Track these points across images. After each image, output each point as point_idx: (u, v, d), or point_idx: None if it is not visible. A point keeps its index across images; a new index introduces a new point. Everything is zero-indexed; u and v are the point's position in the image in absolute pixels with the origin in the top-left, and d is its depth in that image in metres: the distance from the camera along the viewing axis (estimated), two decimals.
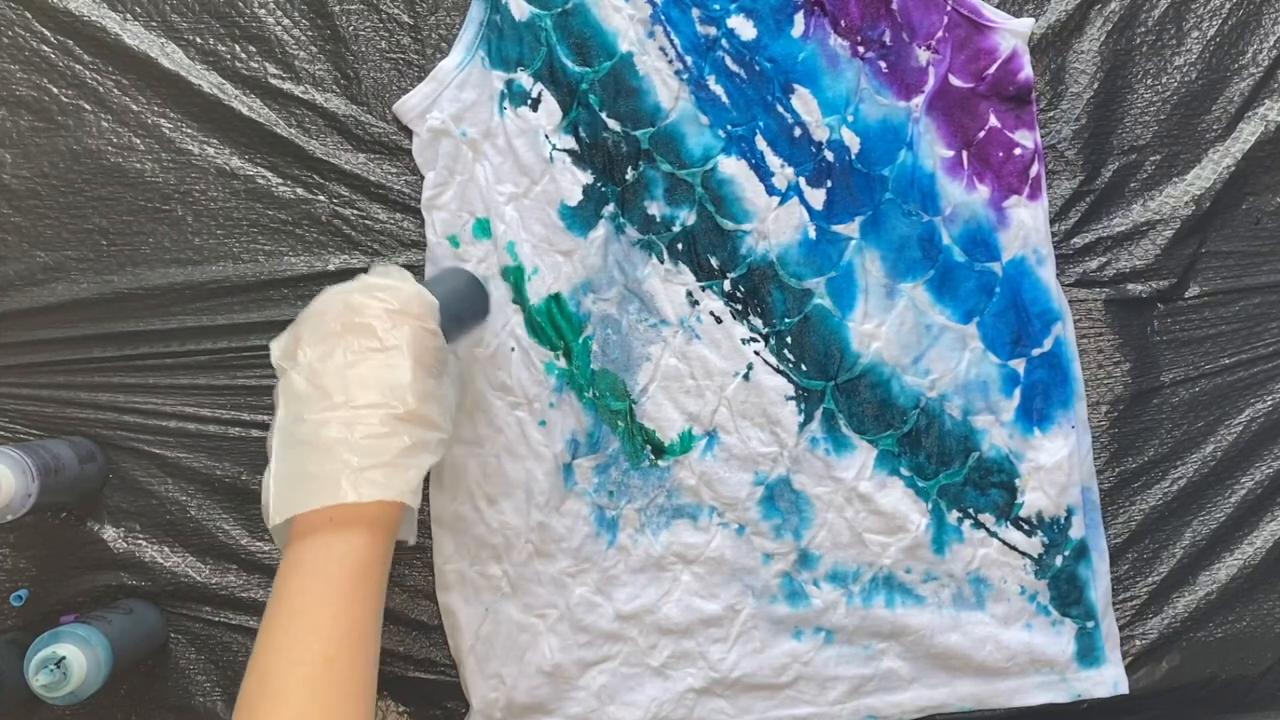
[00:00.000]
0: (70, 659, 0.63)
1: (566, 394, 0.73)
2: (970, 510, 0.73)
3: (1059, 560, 0.73)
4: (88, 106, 0.74)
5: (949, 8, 0.72)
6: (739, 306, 0.73)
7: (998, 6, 0.74)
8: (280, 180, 0.75)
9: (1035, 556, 0.73)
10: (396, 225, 0.75)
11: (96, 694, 0.65)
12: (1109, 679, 0.73)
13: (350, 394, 0.52)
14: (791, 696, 0.73)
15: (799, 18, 0.72)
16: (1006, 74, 0.73)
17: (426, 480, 0.74)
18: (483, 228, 0.73)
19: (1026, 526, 0.73)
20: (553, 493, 0.72)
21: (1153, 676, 0.75)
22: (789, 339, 0.73)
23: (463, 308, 0.63)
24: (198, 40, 0.74)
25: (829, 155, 0.73)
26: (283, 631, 0.49)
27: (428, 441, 0.54)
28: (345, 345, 0.54)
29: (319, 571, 0.50)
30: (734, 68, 0.72)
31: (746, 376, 0.73)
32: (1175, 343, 0.76)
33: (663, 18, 0.72)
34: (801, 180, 0.73)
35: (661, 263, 0.73)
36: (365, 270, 0.74)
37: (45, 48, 0.73)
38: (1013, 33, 0.73)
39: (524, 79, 0.72)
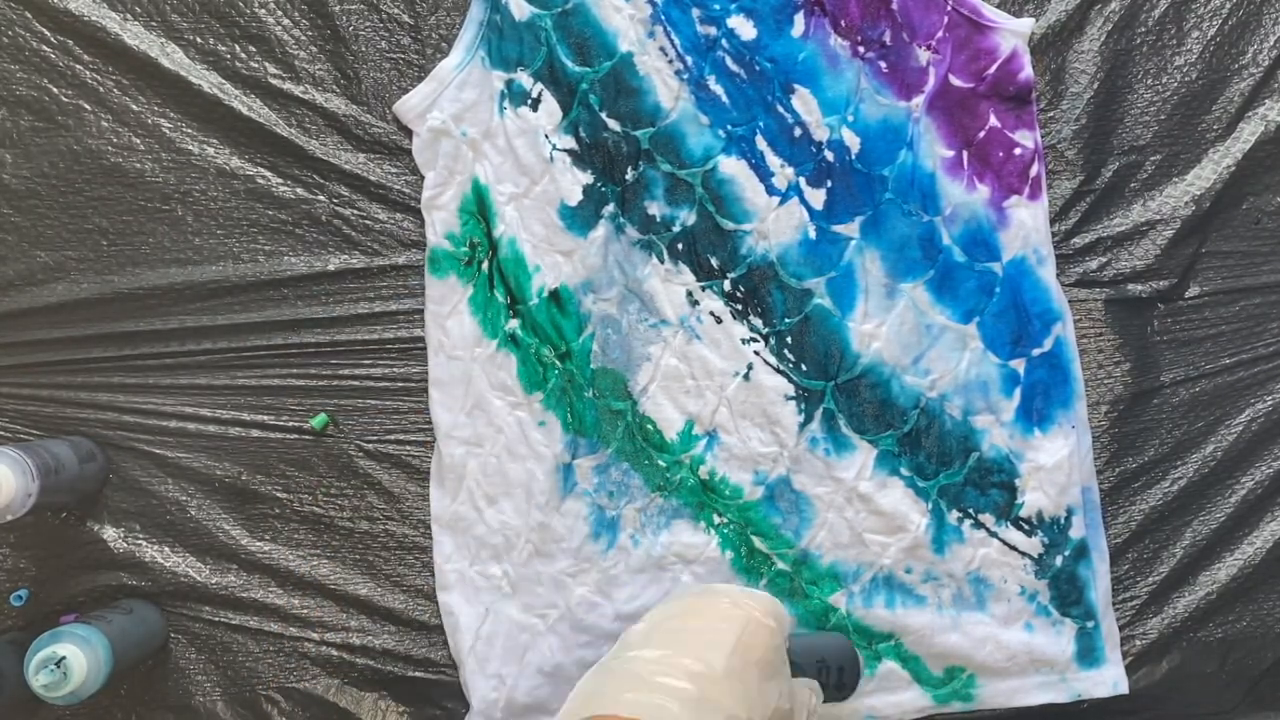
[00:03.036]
0: (70, 659, 0.63)
1: (567, 394, 0.73)
2: (970, 510, 0.73)
3: (1059, 560, 0.73)
4: (88, 106, 0.74)
5: (949, 8, 0.72)
6: (739, 306, 0.73)
7: (998, 6, 0.74)
8: (280, 180, 0.75)
9: (1035, 556, 0.73)
10: (396, 225, 0.75)
11: (97, 694, 0.65)
12: (1109, 679, 0.73)
13: (669, 646, 0.53)
14: None
15: (799, 18, 0.72)
16: (1006, 74, 0.73)
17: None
18: (476, 221, 0.73)
19: (1026, 526, 0.73)
20: (553, 493, 0.72)
21: (1153, 676, 0.75)
22: (789, 339, 0.73)
23: (827, 655, 0.64)
24: (198, 40, 0.74)
25: (829, 155, 0.73)
26: None
27: (716, 711, 0.50)
28: (685, 613, 0.56)
29: None
30: (734, 68, 0.72)
31: (746, 376, 0.73)
32: (1175, 343, 0.76)
33: (663, 18, 0.72)
34: (802, 180, 0.73)
35: (661, 263, 0.73)
36: (365, 270, 0.74)
37: (45, 48, 0.73)
38: (1013, 33, 0.73)
39: (524, 79, 0.72)
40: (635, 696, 0.50)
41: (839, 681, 0.65)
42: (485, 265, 0.73)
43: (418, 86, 0.73)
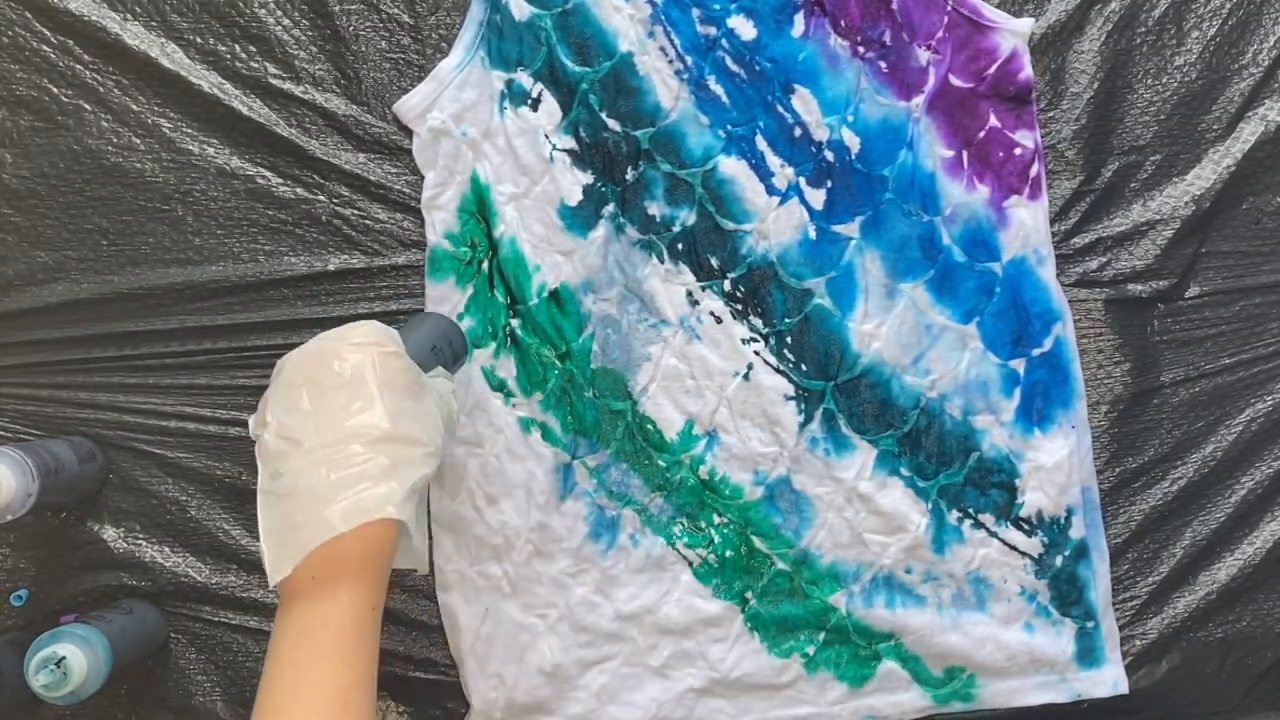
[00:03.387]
0: (70, 659, 0.62)
1: (567, 394, 0.73)
2: (970, 510, 0.73)
3: (1059, 560, 0.73)
4: (88, 106, 0.74)
5: (949, 8, 0.72)
6: (739, 306, 0.73)
7: (998, 6, 0.74)
8: (280, 180, 0.75)
9: (1035, 556, 0.73)
10: (396, 225, 0.75)
11: (96, 694, 0.65)
12: (1109, 679, 0.73)
13: (321, 436, 0.51)
14: (791, 696, 0.73)
15: (799, 18, 0.72)
16: (1006, 74, 0.73)
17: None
18: (476, 221, 0.73)
19: (1026, 526, 0.73)
20: (553, 493, 0.72)
21: (1153, 676, 0.75)
22: (789, 339, 0.73)
23: (436, 341, 0.62)
24: (198, 40, 0.74)
25: (829, 155, 0.73)
26: (272, 698, 0.49)
27: (411, 457, 0.53)
28: (308, 392, 0.52)
29: (304, 638, 0.49)
30: (734, 68, 0.72)
31: (746, 376, 0.73)
32: (1175, 343, 0.76)
33: (663, 18, 0.72)
34: (802, 180, 0.73)
35: (661, 263, 0.73)
36: (365, 270, 0.74)
37: (45, 48, 0.73)
38: (1013, 33, 0.73)
39: (524, 79, 0.72)
40: (339, 506, 0.49)
41: (454, 356, 0.63)
42: (485, 265, 0.73)
43: (418, 86, 0.73)
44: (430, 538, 0.74)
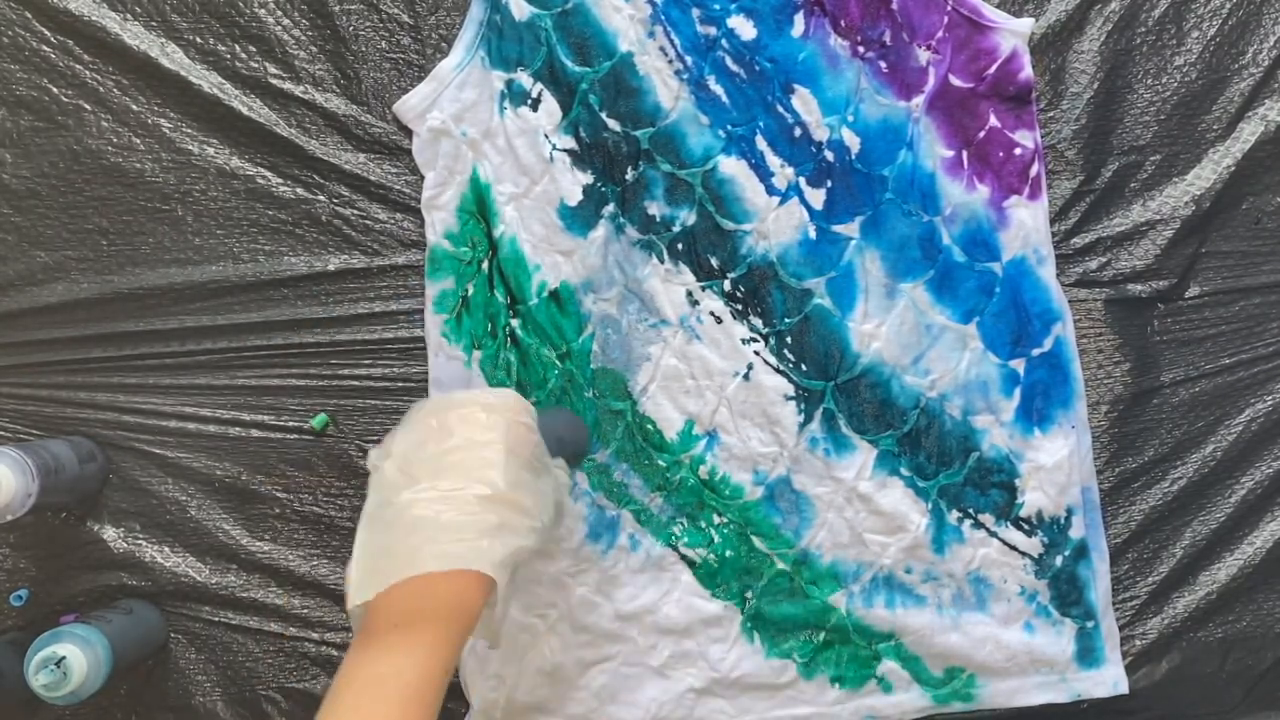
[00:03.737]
0: (70, 659, 0.63)
1: (567, 394, 0.73)
2: (970, 510, 0.73)
3: (1059, 560, 0.73)
4: (88, 106, 0.74)
5: (949, 8, 0.72)
6: (739, 306, 0.73)
7: (998, 6, 0.74)
8: (280, 180, 0.75)
9: (1035, 556, 0.73)
10: (396, 225, 0.75)
11: (96, 694, 0.65)
12: (1109, 679, 0.73)
13: (439, 479, 0.51)
14: (791, 696, 0.73)
15: (799, 18, 0.72)
16: (1006, 74, 0.73)
17: None
18: (476, 221, 0.73)
19: (1026, 526, 0.73)
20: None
21: (1153, 676, 0.75)
22: (789, 339, 0.73)
23: (564, 433, 0.62)
24: (198, 40, 0.74)
25: (829, 155, 0.73)
26: None
27: (517, 526, 0.52)
28: (438, 437, 0.53)
29: (374, 684, 0.48)
30: (734, 68, 0.72)
31: (746, 376, 0.73)
32: (1175, 343, 0.76)
33: (663, 18, 0.72)
34: (801, 180, 0.73)
35: (661, 263, 0.73)
36: (365, 270, 0.74)
37: (45, 48, 0.73)
38: (1013, 33, 0.73)
39: (524, 79, 0.72)
40: (440, 547, 0.49)
41: (577, 454, 0.64)
42: (485, 265, 0.73)
43: (418, 86, 0.73)
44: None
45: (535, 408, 0.58)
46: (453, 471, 0.51)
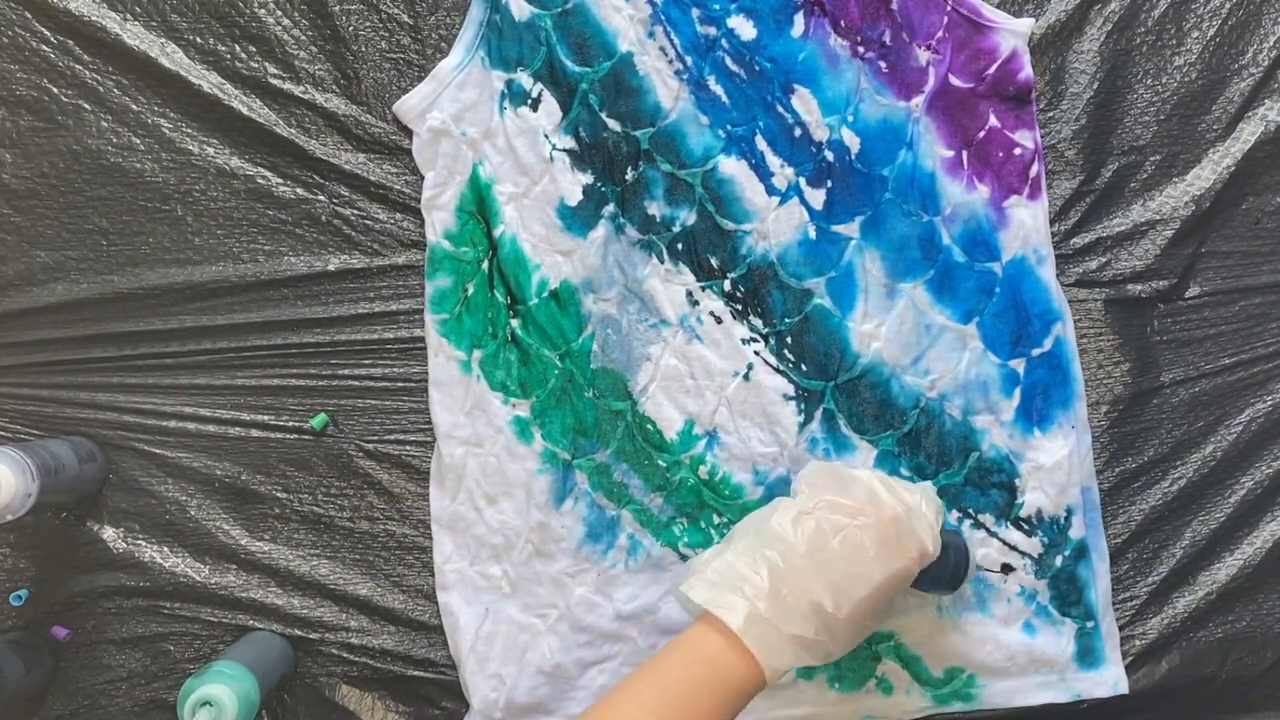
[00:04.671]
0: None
1: (567, 394, 0.73)
2: (970, 510, 0.73)
3: (1059, 560, 0.73)
4: (88, 106, 0.74)
5: (949, 8, 0.72)
6: (739, 306, 0.73)
7: (998, 6, 0.74)
8: (280, 180, 0.75)
9: (1035, 556, 0.73)
10: (396, 225, 0.75)
11: None
12: (1109, 679, 0.73)
13: (814, 567, 0.55)
14: (791, 697, 0.73)
15: (799, 18, 0.72)
16: (1006, 74, 0.73)
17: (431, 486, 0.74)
18: (476, 222, 0.73)
19: (1026, 526, 0.73)
20: (552, 493, 0.72)
21: (1153, 676, 0.75)
22: (789, 339, 0.73)
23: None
24: (198, 40, 0.74)
25: (829, 155, 0.73)
26: (634, 700, 0.53)
27: (820, 648, 0.56)
28: (846, 532, 0.57)
29: (700, 681, 0.54)
30: (734, 68, 0.72)
31: (746, 376, 0.73)
32: (1175, 343, 0.76)
33: (663, 18, 0.72)
34: (801, 180, 0.73)
35: (661, 263, 0.73)
36: (365, 270, 0.74)
37: (45, 48, 0.73)
38: (1013, 33, 0.73)
39: (524, 79, 0.72)
40: (759, 628, 0.54)
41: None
42: (485, 265, 0.73)
43: (418, 86, 0.73)
44: (430, 538, 0.74)
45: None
46: (826, 568, 0.56)
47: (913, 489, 0.61)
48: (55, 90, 0.74)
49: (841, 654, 0.57)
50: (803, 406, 0.73)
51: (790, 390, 0.73)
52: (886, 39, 0.72)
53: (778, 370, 0.73)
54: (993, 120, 0.73)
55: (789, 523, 0.57)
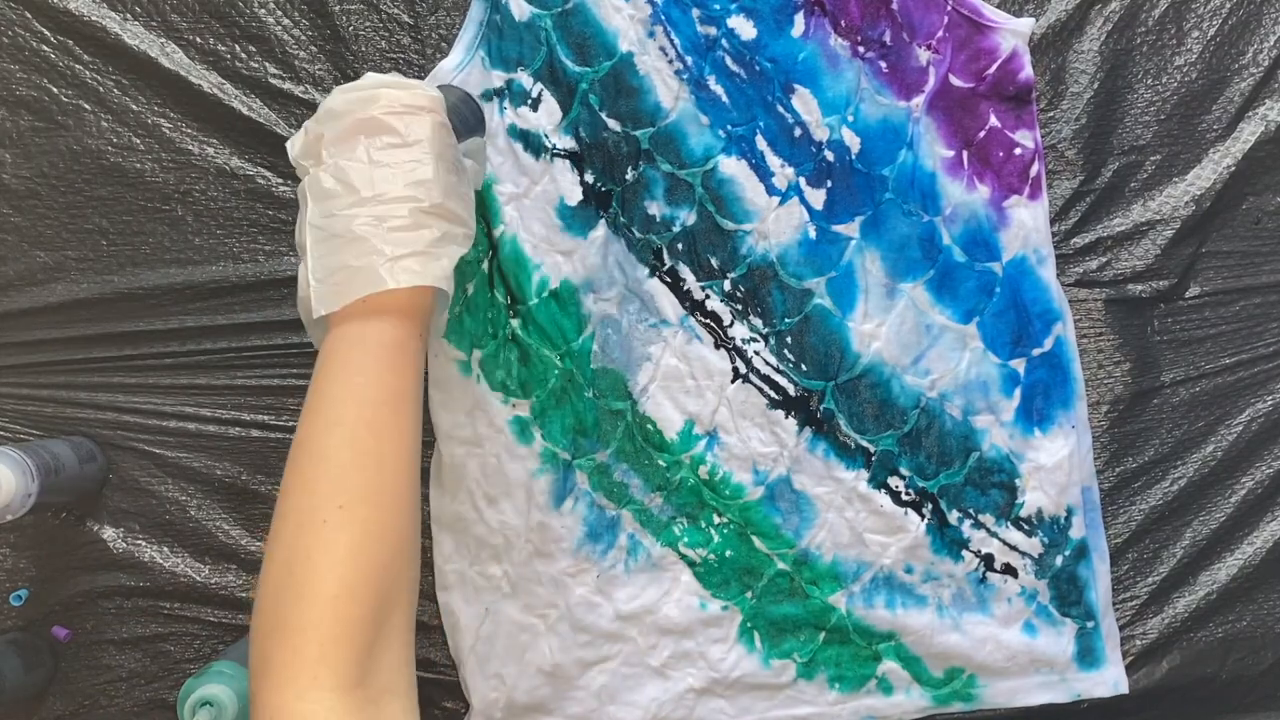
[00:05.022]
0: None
1: (567, 394, 0.73)
2: (970, 510, 0.73)
3: (1059, 560, 0.73)
4: (88, 106, 0.74)
5: (949, 8, 0.72)
6: (739, 306, 0.73)
7: (998, 6, 0.74)
8: (280, 180, 0.75)
9: (1035, 556, 0.73)
10: None
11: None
12: (1109, 679, 0.73)
13: (377, 188, 0.54)
14: (791, 696, 0.73)
15: (799, 18, 0.72)
16: (1007, 74, 0.73)
17: (429, 478, 0.74)
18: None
19: (1027, 526, 0.73)
20: (552, 493, 0.72)
21: (1153, 676, 0.75)
22: (789, 339, 0.73)
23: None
24: (198, 40, 0.74)
25: (829, 155, 0.73)
26: (322, 397, 0.52)
27: (454, 234, 0.56)
28: (368, 142, 0.55)
29: (357, 345, 0.52)
30: (734, 68, 0.72)
31: (746, 379, 0.73)
32: (1175, 343, 0.76)
33: (663, 17, 0.72)
34: (802, 180, 0.73)
35: (662, 263, 0.73)
36: None
37: (45, 48, 0.73)
38: (1013, 33, 0.73)
39: (524, 79, 0.72)
40: (400, 265, 0.53)
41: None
42: (485, 265, 0.73)
43: None
44: (430, 538, 0.74)
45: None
46: (388, 181, 0.54)
47: (363, 79, 0.58)
48: (55, 90, 0.74)
49: (470, 225, 0.57)
50: (792, 413, 0.73)
51: (791, 390, 0.73)
52: (887, 39, 0.72)
53: (778, 370, 0.73)
54: (993, 120, 0.73)
55: (326, 186, 0.54)
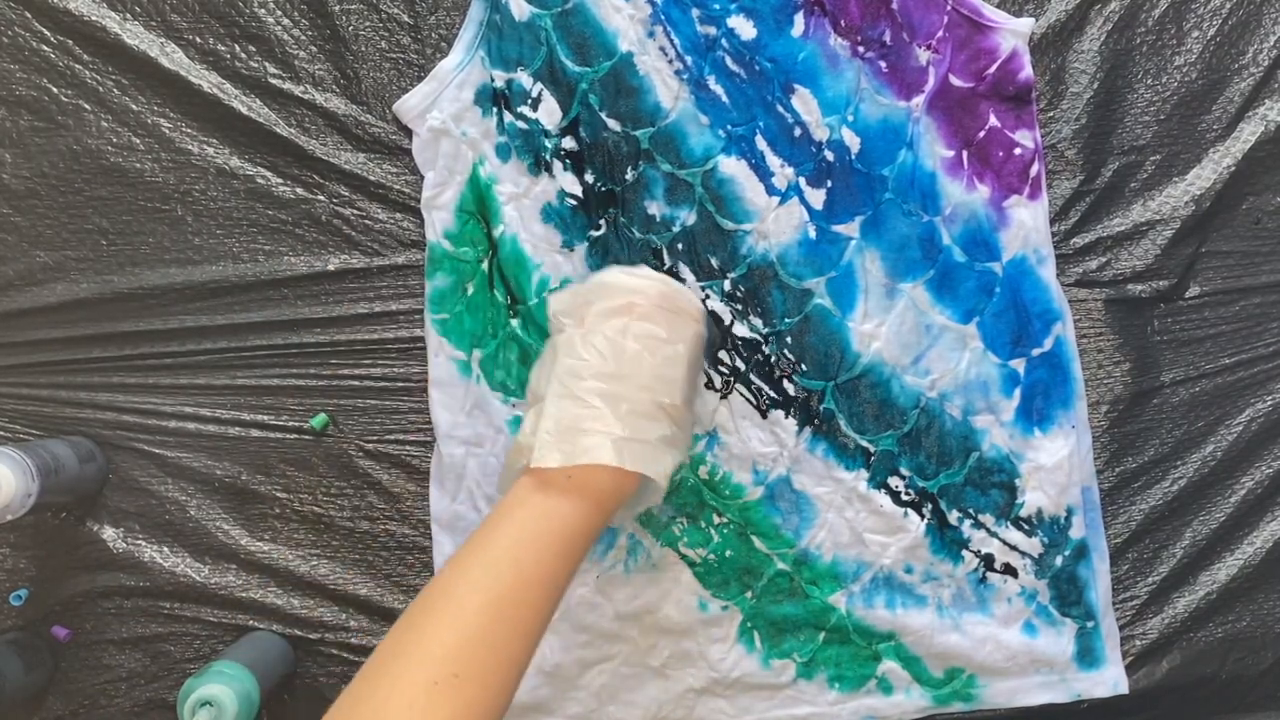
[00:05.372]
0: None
1: None
2: (970, 510, 0.73)
3: (1059, 560, 0.73)
4: (88, 106, 0.74)
5: (949, 7, 0.72)
6: (739, 306, 0.73)
7: (998, 6, 0.74)
8: (280, 180, 0.75)
9: (1035, 556, 0.73)
10: (396, 225, 0.75)
11: None
12: (1109, 679, 0.73)
13: (627, 369, 0.55)
14: (791, 696, 0.73)
15: (799, 18, 0.72)
16: (1007, 74, 0.73)
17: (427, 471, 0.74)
18: (477, 223, 0.73)
19: (1027, 526, 0.73)
20: None
21: (1153, 676, 0.75)
22: (789, 339, 0.73)
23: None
24: (198, 40, 0.74)
25: (829, 155, 0.73)
26: (485, 551, 0.51)
27: (679, 440, 0.56)
28: (632, 325, 0.56)
29: (543, 519, 0.53)
30: (734, 68, 0.72)
31: (746, 381, 0.73)
32: (1175, 343, 0.76)
33: (663, 17, 0.72)
34: (802, 180, 0.73)
35: (661, 263, 0.73)
36: (364, 270, 0.74)
37: (45, 48, 0.73)
38: (1013, 32, 0.73)
39: (524, 79, 0.72)
40: (632, 448, 0.53)
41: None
42: (485, 265, 0.73)
43: (418, 86, 0.73)
44: (430, 538, 0.74)
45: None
46: (639, 368, 0.55)
47: (644, 269, 0.60)
48: (55, 90, 0.74)
49: (689, 442, 0.58)
50: (792, 413, 0.73)
51: (790, 390, 0.73)
52: (887, 39, 0.72)
53: (777, 369, 0.73)
54: (993, 120, 0.73)
55: (581, 350, 0.55)
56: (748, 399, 0.73)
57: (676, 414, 0.55)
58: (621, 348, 0.55)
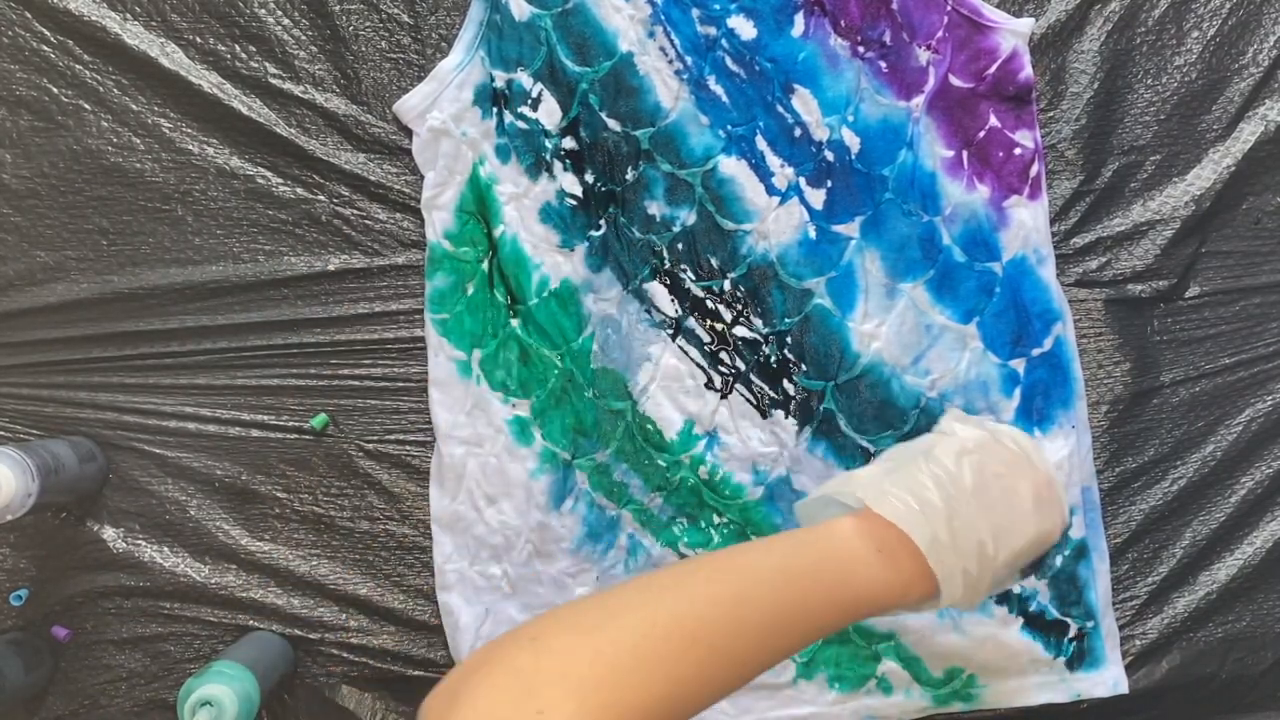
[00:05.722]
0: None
1: (567, 394, 0.73)
2: None
3: (1059, 560, 0.73)
4: (88, 106, 0.74)
5: (949, 8, 0.72)
6: (739, 306, 0.73)
7: (998, 6, 0.74)
8: (280, 180, 0.75)
9: None
10: (396, 225, 0.75)
11: None
12: (1109, 679, 0.73)
13: (977, 498, 0.53)
14: (791, 696, 0.73)
15: (799, 18, 0.72)
16: (1007, 74, 0.73)
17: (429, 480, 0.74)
18: (477, 224, 0.73)
19: None
20: (552, 493, 0.72)
21: (1153, 676, 0.75)
22: (789, 339, 0.73)
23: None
24: (198, 40, 0.74)
25: (829, 155, 0.73)
26: (744, 575, 0.48)
27: (971, 589, 0.53)
28: (1009, 482, 0.55)
29: (828, 559, 0.50)
30: (734, 68, 0.72)
31: (746, 381, 0.73)
32: (1175, 343, 0.76)
33: (663, 18, 0.72)
34: (802, 180, 0.73)
35: (662, 263, 0.73)
36: (365, 270, 0.74)
37: (45, 48, 0.73)
38: (1013, 33, 0.73)
39: (524, 79, 0.72)
40: (953, 559, 0.51)
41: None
42: (485, 265, 0.73)
43: (418, 86, 0.73)
44: (430, 538, 0.74)
45: None
46: (993, 509, 0.53)
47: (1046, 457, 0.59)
48: (55, 90, 0.74)
49: (969, 605, 0.54)
50: (792, 413, 0.73)
51: (791, 390, 0.73)
52: (887, 39, 0.72)
53: (777, 369, 0.73)
54: (993, 120, 0.73)
55: (954, 456, 0.54)
56: (748, 399, 0.73)
57: (986, 567, 0.53)
58: (987, 485, 0.54)
